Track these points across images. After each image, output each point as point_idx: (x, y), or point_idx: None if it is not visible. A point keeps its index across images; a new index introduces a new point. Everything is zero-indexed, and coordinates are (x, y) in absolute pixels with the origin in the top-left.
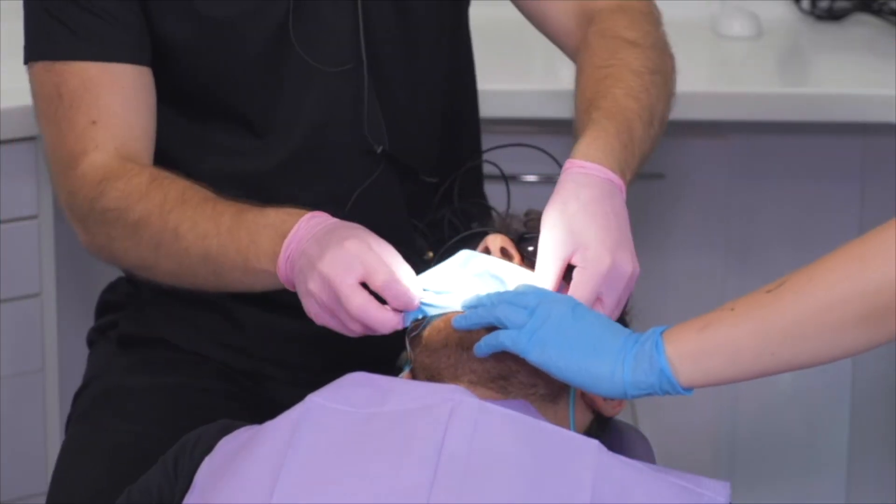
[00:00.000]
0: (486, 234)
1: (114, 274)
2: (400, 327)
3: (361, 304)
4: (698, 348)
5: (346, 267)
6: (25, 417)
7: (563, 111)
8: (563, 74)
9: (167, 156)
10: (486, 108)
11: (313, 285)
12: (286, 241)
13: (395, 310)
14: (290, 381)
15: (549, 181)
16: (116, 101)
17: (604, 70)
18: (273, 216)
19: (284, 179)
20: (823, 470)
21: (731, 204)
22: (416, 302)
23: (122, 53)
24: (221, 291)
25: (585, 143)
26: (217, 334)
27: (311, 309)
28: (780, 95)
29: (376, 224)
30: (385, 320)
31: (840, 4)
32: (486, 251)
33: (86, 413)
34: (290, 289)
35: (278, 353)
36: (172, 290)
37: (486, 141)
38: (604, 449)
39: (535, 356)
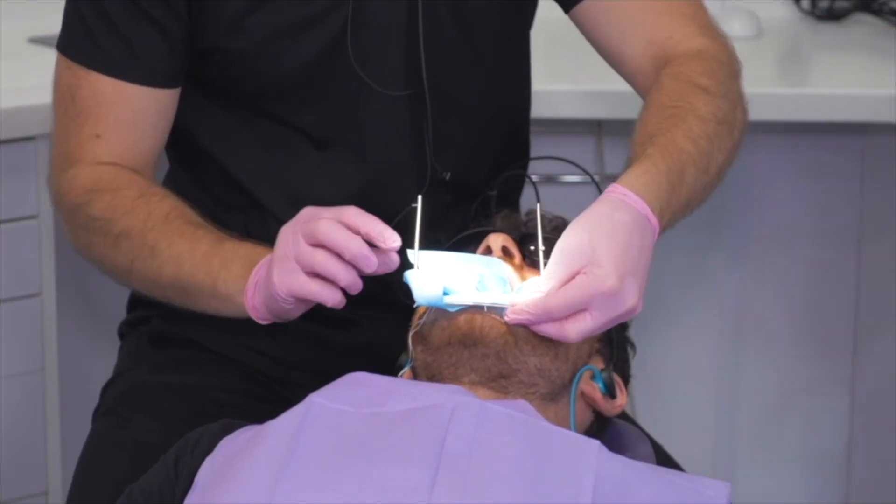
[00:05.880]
0: (487, 233)
1: None
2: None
3: (327, 228)
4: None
5: (285, 249)
6: (25, 417)
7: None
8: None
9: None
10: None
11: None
12: (255, 269)
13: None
14: (320, 387)
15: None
16: (124, 120)
17: (669, 109)
18: (249, 248)
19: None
20: (823, 470)
21: (730, 204)
22: (386, 234)
23: (139, 75)
24: (189, 311)
25: (634, 175)
26: (247, 338)
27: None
28: (780, 95)
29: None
30: (355, 244)
31: (840, 4)
32: (488, 250)
33: (112, 408)
34: (254, 317)
35: (309, 360)
36: None
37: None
38: (604, 449)
39: None
